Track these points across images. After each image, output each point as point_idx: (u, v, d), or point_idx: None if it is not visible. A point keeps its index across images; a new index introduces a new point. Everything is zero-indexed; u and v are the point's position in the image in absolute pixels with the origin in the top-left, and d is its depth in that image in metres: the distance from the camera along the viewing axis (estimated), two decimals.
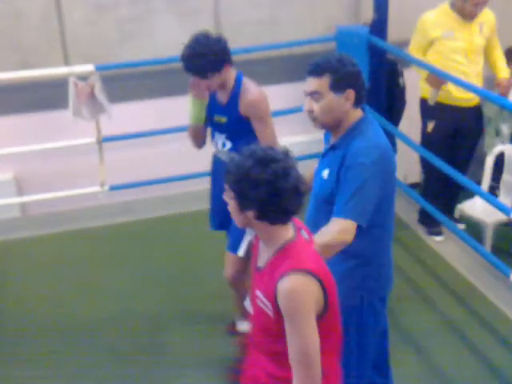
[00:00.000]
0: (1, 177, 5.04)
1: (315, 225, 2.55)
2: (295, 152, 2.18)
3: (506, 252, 4.65)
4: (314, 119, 2.60)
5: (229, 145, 3.44)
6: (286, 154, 2.09)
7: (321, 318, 2.09)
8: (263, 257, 2.19)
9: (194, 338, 3.96)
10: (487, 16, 4.62)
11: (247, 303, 2.37)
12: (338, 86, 2.52)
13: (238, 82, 3.37)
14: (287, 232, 2.12)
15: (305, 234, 2.19)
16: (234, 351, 3.65)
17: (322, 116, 2.57)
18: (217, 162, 3.60)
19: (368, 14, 5.34)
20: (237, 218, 2.13)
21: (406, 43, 5.20)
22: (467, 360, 3.75)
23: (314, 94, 2.55)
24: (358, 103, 2.59)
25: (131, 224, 5.19)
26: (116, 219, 5.20)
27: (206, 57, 3.22)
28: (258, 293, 2.16)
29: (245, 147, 2.12)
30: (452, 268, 4.60)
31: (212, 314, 4.14)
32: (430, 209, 4.60)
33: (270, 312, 2.11)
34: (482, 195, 4.35)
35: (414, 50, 4.74)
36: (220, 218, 3.60)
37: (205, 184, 3.89)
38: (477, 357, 3.76)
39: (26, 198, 5.06)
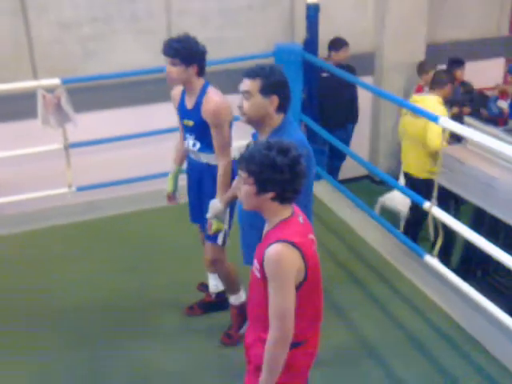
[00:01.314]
0: None
1: (249, 218, 2.65)
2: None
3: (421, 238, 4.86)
4: (243, 114, 2.75)
5: (198, 145, 3.46)
6: (292, 144, 2.24)
7: (301, 285, 2.21)
8: (264, 232, 2.32)
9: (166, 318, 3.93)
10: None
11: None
12: (265, 91, 2.68)
13: (203, 90, 3.37)
14: (287, 212, 2.26)
15: (301, 219, 2.30)
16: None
17: (249, 113, 2.73)
18: (193, 163, 3.60)
19: (302, 33, 5.50)
20: (250, 200, 2.24)
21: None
22: (388, 328, 3.87)
23: (245, 93, 2.72)
24: (281, 109, 2.74)
25: (97, 221, 5.13)
26: (83, 217, 5.14)
27: (182, 44, 3.27)
28: (255, 261, 2.28)
29: (258, 141, 2.23)
30: (375, 251, 4.70)
31: (181, 301, 4.06)
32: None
33: (258, 274, 2.24)
34: (398, 188, 4.56)
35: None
36: (196, 212, 3.66)
37: (162, 184, 3.94)
38: (396, 325, 3.89)
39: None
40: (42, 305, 4.11)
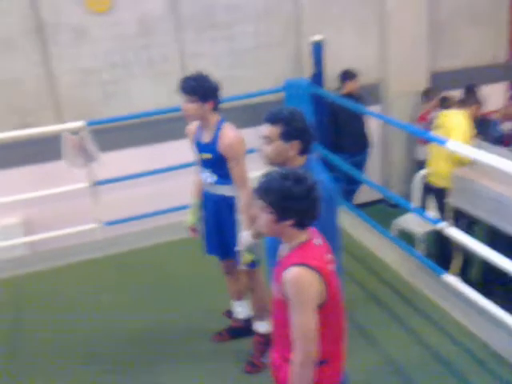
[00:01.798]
0: (10, 221, 5.04)
1: (272, 242, 2.63)
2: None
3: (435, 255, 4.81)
4: (264, 157, 2.70)
5: (214, 177, 3.48)
6: (305, 172, 2.24)
7: (322, 307, 2.19)
8: (282, 254, 2.31)
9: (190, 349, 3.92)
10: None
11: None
12: (286, 136, 2.61)
13: (219, 125, 3.40)
14: (304, 235, 2.25)
15: (318, 241, 2.30)
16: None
17: (270, 157, 2.66)
18: (209, 196, 3.61)
19: (309, 68, 5.56)
20: (269, 228, 2.23)
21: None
22: (413, 347, 3.80)
23: (266, 138, 2.66)
24: (303, 152, 2.67)
25: (125, 254, 5.16)
26: (112, 250, 5.17)
27: (197, 82, 3.31)
28: (274, 282, 2.27)
29: (272, 171, 2.23)
30: (395, 271, 4.66)
31: (207, 328, 4.04)
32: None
33: (279, 296, 2.22)
34: (413, 210, 4.53)
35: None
36: (214, 244, 3.65)
37: (181, 216, 3.94)
38: (420, 343, 3.83)
39: (32, 238, 5.03)
40: (76, 337, 4.13)
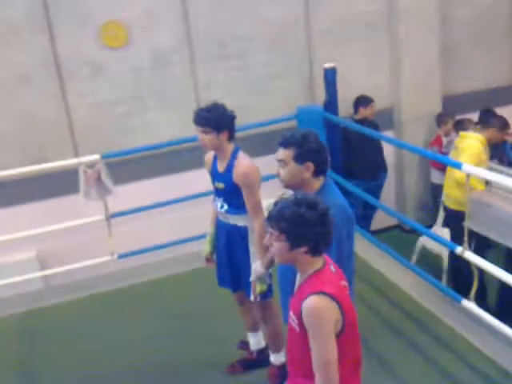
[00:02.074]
0: (25, 255, 5.05)
1: (283, 273, 2.62)
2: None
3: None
4: (281, 181, 2.73)
5: (226, 206, 3.47)
6: (317, 197, 2.24)
7: (340, 335, 2.15)
8: (298, 283, 2.28)
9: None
10: None
11: None
12: (299, 159, 2.65)
13: (234, 155, 3.40)
14: (319, 262, 2.22)
15: (332, 268, 2.27)
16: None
17: (285, 180, 2.70)
18: (222, 225, 3.60)
19: (322, 95, 5.57)
20: (283, 256, 2.21)
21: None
22: (433, 376, 3.72)
23: (280, 162, 2.70)
24: (318, 174, 2.69)
25: (140, 285, 5.17)
26: (126, 282, 5.17)
27: (211, 113, 3.32)
28: (291, 313, 2.23)
29: (284, 199, 2.22)
30: (412, 298, 4.58)
31: (221, 360, 4.01)
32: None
33: (296, 327, 2.18)
34: (428, 235, 4.47)
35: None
36: (226, 276, 3.63)
37: (197, 246, 3.94)
38: (441, 372, 3.75)
39: (46, 272, 5.03)
40: (91, 370, 4.11)
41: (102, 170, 4.72)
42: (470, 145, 4.42)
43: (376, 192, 5.85)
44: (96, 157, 4.74)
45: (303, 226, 2.12)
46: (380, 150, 5.88)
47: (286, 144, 2.68)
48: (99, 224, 4.93)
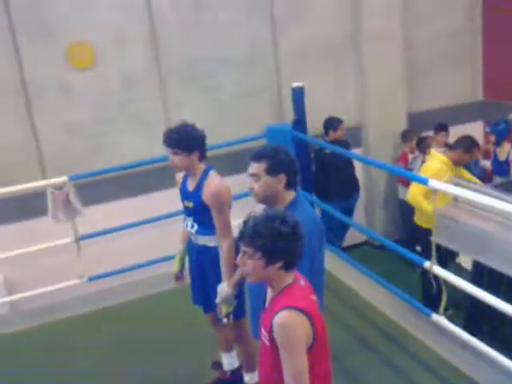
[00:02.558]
0: None
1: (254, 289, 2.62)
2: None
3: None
4: (255, 195, 2.73)
5: (196, 227, 3.42)
6: (286, 212, 2.26)
7: (311, 348, 2.14)
8: (268, 299, 2.27)
9: None
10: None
11: None
12: (271, 171, 2.66)
13: (205, 174, 3.36)
14: (290, 278, 2.21)
15: (302, 282, 2.26)
16: None
17: (260, 193, 2.70)
18: (192, 245, 3.55)
19: (290, 114, 5.61)
20: (257, 274, 2.19)
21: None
22: None
23: (253, 176, 2.70)
24: (289, 186, 2.71)
25: (110, 308, 5.06)
26: (96, 306, 5.06)
27: (180, 135, 3.27)
28: (262, 328, 2.21)
29: (253, 217, 2.19)
30: (383, 313, 4.59)
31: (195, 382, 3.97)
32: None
33: (267, 342, 2.16)
34: (398, 251, 4.47)
35: (418, 195, 4.38)
36: (199, 295, 3.59)
37: (168, 267, 3.89)
38: None
39: (14, 297, 4.89)
40: None
41: (71, 191, 4.64)
42: (427, 165, 4.56)
43: (350, 211, 5.88)
44: (64, 178, 4.67)
45: (279, 240, 2.12)
46: (353, 170, 5.90)
47: (257, 158, 2.70)
48: (68, 247, 4.84)
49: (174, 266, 3.69)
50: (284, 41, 5.69)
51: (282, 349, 2.10)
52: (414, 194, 4.46)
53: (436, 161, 4.54)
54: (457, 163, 4.52)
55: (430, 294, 4.42)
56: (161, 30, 5.27)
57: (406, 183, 5.67)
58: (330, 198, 5.59)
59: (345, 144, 5.68)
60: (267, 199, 2.71)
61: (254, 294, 2.84)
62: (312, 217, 2.70)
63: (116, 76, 5.21)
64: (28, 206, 4.88)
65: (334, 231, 5.71)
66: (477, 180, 4.80)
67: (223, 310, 3.28)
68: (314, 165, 5.84)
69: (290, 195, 2.71)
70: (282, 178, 2.67)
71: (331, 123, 5.74)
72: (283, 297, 2.17)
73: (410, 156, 5.91)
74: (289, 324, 2.09)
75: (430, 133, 5.99)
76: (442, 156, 4.56)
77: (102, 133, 5.24)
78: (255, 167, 2.70)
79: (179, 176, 3.57)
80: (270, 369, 2.20)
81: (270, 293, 2.27)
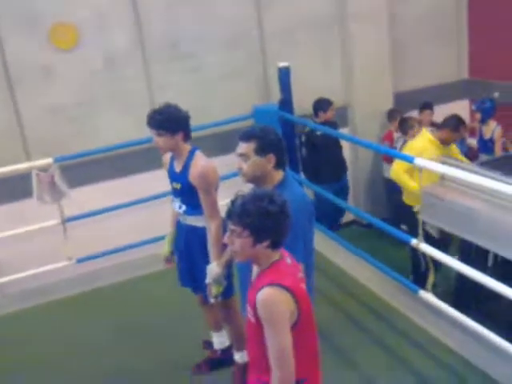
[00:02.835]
0: None
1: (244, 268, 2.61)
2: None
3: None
4: (243, 175, 2.70)
5: (184, 207, 3.40)
6: (273, 190, 2.27)
7: (295, 326, 2.15)
8: (254, 276, 2.27)
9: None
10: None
11: None
12: (261, 151, 2.64)
13: (191, 155, 3.33)
14: (276, 255, 2.22)
15: (288, 260, 2.26)
16: None
17: (248, 173, 2.67)
18: (181, 226, 3.52)
19: (277, 94, 5.56)
20: (245, 252, 2.18)
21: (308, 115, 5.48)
22: (392, 366, 3.75)
23: (242, 156, 2.67)
24: (278, 166, 2.68)
25: (99, 290, 5.04)
26: (85, 287, 5.04)
27: (164, 115, 3.23)
28: (248, 305, 2.21)
29: (241, 196, 2.19)
30: (370, 290, 4.61)
31: (186, 361, 3.93)
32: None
33: (252, 318, 2.17)
34: (386, 229, 4.48)
35: (400, 171, 4.46)
36: (186, 276, 3.57)
37: (156, 248, 3.87)
38: (400, 362, 3.77)
39: (2, 280, 4.82)
40: (52, 378, 3.98)
41: (56, 173, 4.59)
42: (412, 143, 4.62)
43: (343, 193, 5.83)
44: (49, 160, 4.61)
45: (267, 219, 2.13)
46: (341, 151, 5.87)
47: (246, 137, 2.67)
48: (56, 229, 4.79)
49: (163, 249, 3.67)
50: (269, 20, 5.62)
51: (265, 325, 2.12)
52: (396, 170, 4.50)
53: (422, 139, 4.55)
54: (444, 142, 4.53)
55: (419, 272, 4.46)
56: (143, 9, 5.17)
57: (391, 161, 5.68)
58: (323, 181, 5.56)
59: (334, 125, 5.65)
60: (256, 179, 2.68)
61: (243, 273, 2.82)
62: (301, 196, 2.69)
63: (98, 57, 5.11)
64: (13, 189, 4.81)
65: (331, 215, 5.67)
66: (464, 158, 4.80)
67: (213, 290, 3.26)
68: (305, 147, 5.78)
69: (278, 175, 2.69)
70: (272, 157, 2.65)
71: (321, 105, 5.69)
72: (268, 274, 2.18)
73: (395, 135, 5.90)
74: (271, 300, 2.10)
75: (415, 112, 5.98)
76: (430, 135, 4.56)
77: (85, 114, 5.16)
78: (244, 147, 2.67)
79: (166, 157, 3.53)
80: (256, 345, 2.22)
81: (255, 270, 2.28)
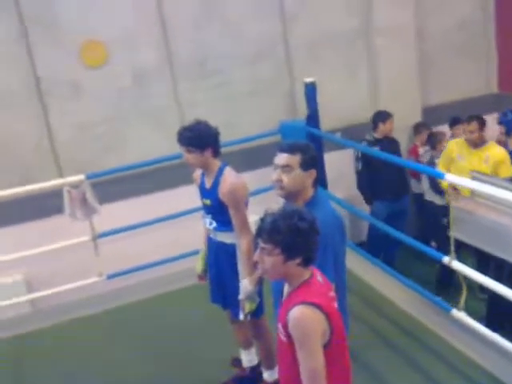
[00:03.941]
0: (12, 279, 4.91)
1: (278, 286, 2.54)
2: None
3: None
4: (282, 188, 2.59)
5: (214, 224, 3.38)
6: (302, 208, 2.25)
7: (327, 346, 2.11)
8: (285, 294, 2.23)
9: None
10: (493, 150, 4.65)
11: None
12: (305, 165, 2.57)
13: (220, 171, 3.31)
14: (307, 273, 2.18)
15: (320, 278, 2.23)
16: None
17: (289, 186, 2.58)
18: (211, 242, 3.49)
19: (303, 109, 5.50)
20: (277, 270, 2.15)
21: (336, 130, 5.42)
22: None
23: (285, 167, 2.57)
24: (316, 182, 2.64)
25: (129, 306, 5.01)
26: (115, 303, 5.01)
27: (193, 132, 3.23)
28: (279, 324, 2.18)
29: (271, 213, 2.15)
30: (400, 309, 4.50)
31: (215, 378, 3.88)
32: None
33: (284, 338, 2.14)
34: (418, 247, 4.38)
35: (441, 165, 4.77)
36: (216, 293, 3.54)
37: (187, 264, 3.84)
38: (431, 382, 3.67)
39: (34, 295, 4.88)
40: None
41: (87, 189, 4.60)
42: (499, 153, 4.60)
43: (400, 216, 5.47)
44: (81, 177, 4.62)
45: (297, 236, 2.10)
46: (401, 170, 5.45)
47: (291, 149, 2.59)
48: (87, 245, 4.79)
49: (196, 266, 3.65)
50: (294, 35, 5.61)
51: (297, 344, 2.08)
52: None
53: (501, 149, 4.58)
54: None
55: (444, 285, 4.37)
56: (171, 26, 5.22)
57: (419, 177, 5.59)
58: (377, 197, 5.41)
59: (393, 142, 5.46)
60: (293, 193, 2.60)
61: (277, 290, 2.77)
62: (331, 213, 2.63)
63: (128, 74, 5.17)
64: (45, 205, 4.83)
65: (382, 240, 5.27)
66: None
67: (246, 306, 3.23)
68: (361, 161, 5.49)
69: (312, 191, 2.64)
70: (313, 173, 2.60)
71: (380, 116, 5.49)
72: (300, 292, 2.14)
73: (421, 149, 5.80)
74: (303, 319, 2.06)
75: (441, 126, 5.87)
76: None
77: (114, 131, 5.21)
78: (289, 159, 2.57)
79: (197, 173, 3.53)
80: (288, 365, 2.18)
81: (287, 288, 2.24)
